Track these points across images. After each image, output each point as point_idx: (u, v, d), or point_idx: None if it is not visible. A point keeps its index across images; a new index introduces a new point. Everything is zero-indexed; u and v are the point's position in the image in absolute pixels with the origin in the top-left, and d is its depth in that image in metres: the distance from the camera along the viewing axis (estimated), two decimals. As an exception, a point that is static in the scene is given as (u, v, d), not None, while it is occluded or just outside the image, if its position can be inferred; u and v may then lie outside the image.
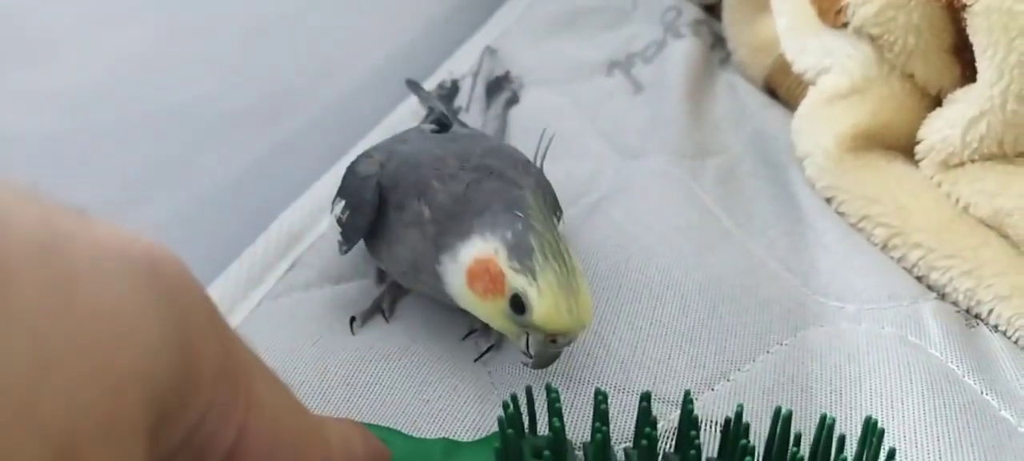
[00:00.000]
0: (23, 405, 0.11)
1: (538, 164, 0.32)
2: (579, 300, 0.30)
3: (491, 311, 0.31)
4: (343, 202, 0.37)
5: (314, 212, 0.48)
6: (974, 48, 0.39)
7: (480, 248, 0.31)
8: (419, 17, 0.75)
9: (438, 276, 0.33)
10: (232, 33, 0.54)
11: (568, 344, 0.31)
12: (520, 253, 0.30)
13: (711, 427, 0.33)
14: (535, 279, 0.29)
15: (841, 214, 0.45)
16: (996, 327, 0.38)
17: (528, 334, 0.31)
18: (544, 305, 0.29)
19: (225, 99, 0.53)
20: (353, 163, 0.38)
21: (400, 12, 0.73)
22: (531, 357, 0.31)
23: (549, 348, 0.31)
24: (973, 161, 0.41)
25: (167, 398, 0.14)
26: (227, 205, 0.52)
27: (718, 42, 0.67)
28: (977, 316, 0.39)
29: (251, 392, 0.17)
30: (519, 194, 0.32)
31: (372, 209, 0.35)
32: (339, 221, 0.37)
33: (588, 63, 0.66)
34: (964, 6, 0.39)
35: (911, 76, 0.45)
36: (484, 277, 0.31)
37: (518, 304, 0.30)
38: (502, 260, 0.30)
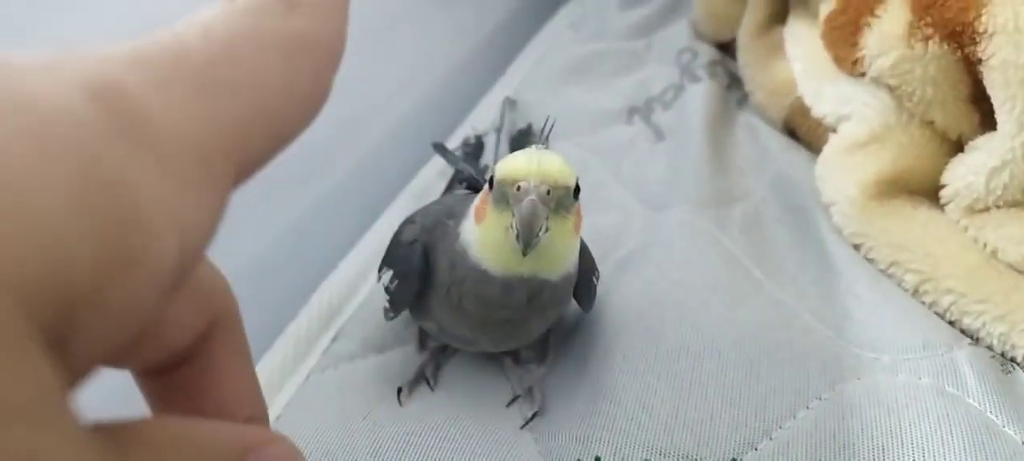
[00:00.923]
0: None
1: (542, 143, 0.35)
2: (543, 156, 0.32)
3: (489, 223, 0.33)
4: (391, 271, 0.38)
5: (352, 281, 0.49)
6: (992, 100, 0.40)
7: (485, 189, 0.34)
8: (433, 74, 0.77)
9: (459, 251, 0.34)
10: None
11: (546, 202, 0.31)
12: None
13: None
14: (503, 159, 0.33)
15: (870, 261, 0.46)
16: (1033, 371, 0.38)
17: (513, 216, 0.31)
18: (504, 161, 0.33)
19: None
20: (397, 231, 0.40)
21: (414, 70, 0.74)
22: (519, 227, 0.31)
23: (523, 202, 0.31)
24: (998, 207, 0.41)
25: (77, 291, 0.11)
26: (264, 280, 0.53)
27: (734, 82, 0.68)
28: (1012, 360, 0.39)
29: (216, 314, 0.17)
30: None
31: (419, 275, 0.36)
32: (387, 290, 0.38)
33: (606, 110, 0.67)
34: (980, 61, 0.40)
35: (931, 123, 0.46)
36: (482, 202, 0.34)
37: (493, 184, 0.33)
38: (491, 168, 0.34)
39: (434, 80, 0.76)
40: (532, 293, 0.34)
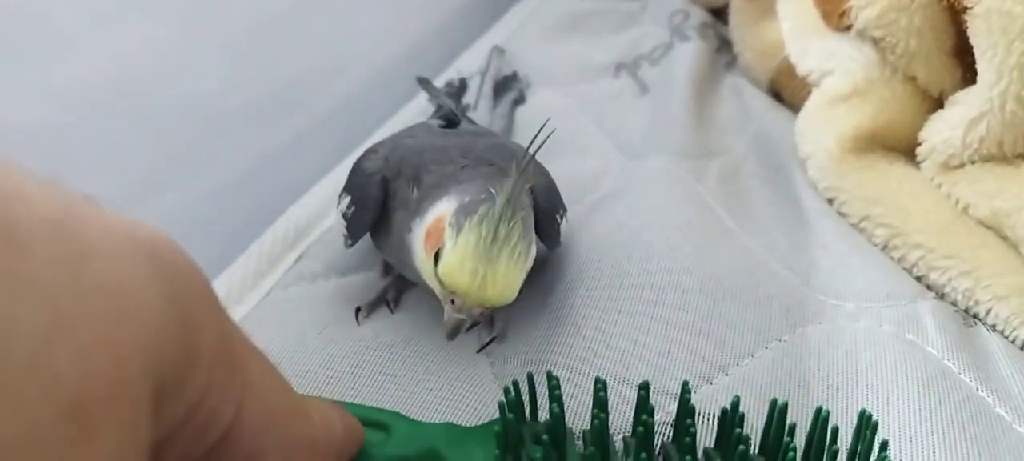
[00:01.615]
0: (36, 363, 0.12)
1: (532, 153, 0.32)
2: (493, 270, 0.29)
3: (427, 267, 0.32)
4: (349, 198, 0.37)
5: (322, 206, 0.48)
6: (974, 50, 0.39)
7: (443, 208, 0.32)
8: (429, 17, 0.76)
9: (409, 246, 0.33)
10: (242, 30, 0.55)
11: (476, 320, 0.31)
12: (464, 213, 0.30)
13: (709, 420, 0.33)
14: (457, 236, 0.30)
15: (842, 215, 0.45)
16: (994, 327, 0.38)
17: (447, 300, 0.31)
18: (450, 260, 0.30)
19: (234, 95, 0.54)
20: (359, 159, 0.39)
21: (410, 11, 0.74)
22: (446, 328, 0.31)
23: (454, 313, 0.31)
24: (973, 163, 0.41)
25: (168, 372, 0.15)
26: (236, 200, 0.53)
27: (724, 45, 0.68)
28: (975, 316, 0.39)
29: (247, 373, 0.18)
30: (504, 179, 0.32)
31: (376, 205, 0.36)
32: (344, 216, 0.37)
33: (595, 65, 0.66)
34: (965, 8, 0.39)
35: (913, 79, 0.45)
36: (432, 236, 0.32)
37: (438, 258, 0.31)
38: (448, 216, 0.31)
39: (425, 26, 0.76)
40: None
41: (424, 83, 0.56)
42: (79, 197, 0.15)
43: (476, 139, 0.40)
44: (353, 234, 0.37)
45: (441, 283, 0.31)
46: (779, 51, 0.58)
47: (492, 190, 0.31)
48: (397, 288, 0.41)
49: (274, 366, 0.20)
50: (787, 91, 0.58)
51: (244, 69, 0.56)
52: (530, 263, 0.32)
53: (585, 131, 0.57)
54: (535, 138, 0.32)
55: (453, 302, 0.31)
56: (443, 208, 0.32)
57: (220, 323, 0.17)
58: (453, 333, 0.32)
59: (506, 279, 0.30)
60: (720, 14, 0.71)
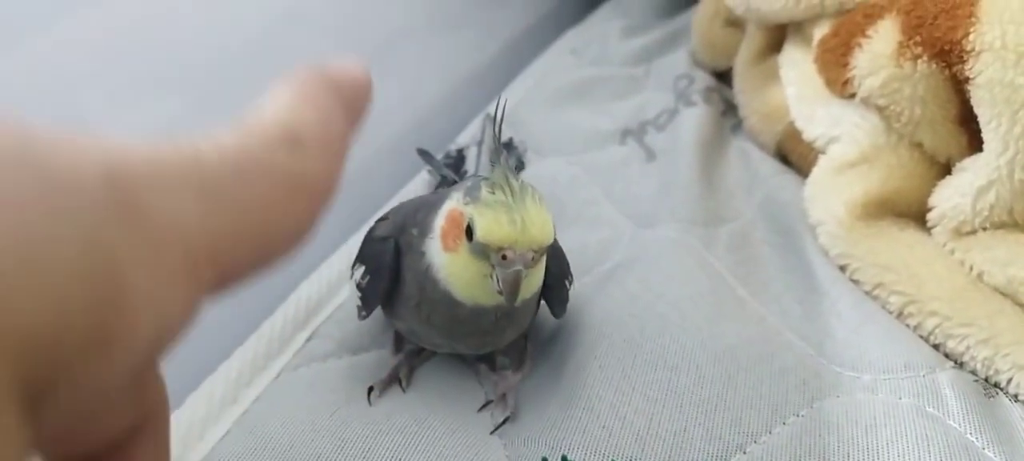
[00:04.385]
0: None
1: (495, 130, 0.33)
2: (526, 215, 0.31)
3: (463, 261, 0.32)
4: (363, 267, 0.37)
5: (332, 282, 0.48)
6: (979, 119, 0.39)
7: (448, 207, 0.33)
8: (433, 91, 0.77)
9: (426, 271, 0.34)
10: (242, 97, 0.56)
11: (529, 264, 0.31)
12: (472, 192, 0.32)
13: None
14: (478, 203, 0.31)
15: (855, 282, 0.45)
16: (1016, 397, 0.38)
17: (494, 267, 0.31)
18: (484, 220, 0.31)
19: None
20: (371, 228, 0.39)
21: (414, 86, 0.75)
22: (503, 289, 0.31)
23: (506, 269, 0.31)
24: (985, 229, 0.41)
25: (54, 351, 0.11)
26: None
27: (730, 109, 0.68)
28: (996, 385, 0.38)
29: (154, 402, 0.16)
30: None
31: (390, 271, 0.36)
32: (359, 287, 0.37)
33: (601, 131, 0.67)
34: (967, 79, 0.40)
35: (919, 145, 0.46)
36: (451, 229, 0.33)
37: (471, 233, 0.31)
38: (458, 202, 0.33)
39: (432, 98, 0.77)
40: (504, 314, 0.34)
41: (424, 155, 0.57)
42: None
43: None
44: (368, 304, 0.37)
45: (485, 247, 0.31)
46: (784, 116, 0.58)
47: (482, 177, 0.33)
48: (409, 365, 0.41)
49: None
50: (794, 154, 0.58)
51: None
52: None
53: (593, 200, 0.57)
54: (497, 104, 0.34)
55: (505, 258, 0.31)
56: (448, 207, 0.33)
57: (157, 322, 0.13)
58: (513, 288, 0.31)
59: (541, 217, 0.31)
60: (724, 77, 0.72)
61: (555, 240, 0.39)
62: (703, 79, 0.71)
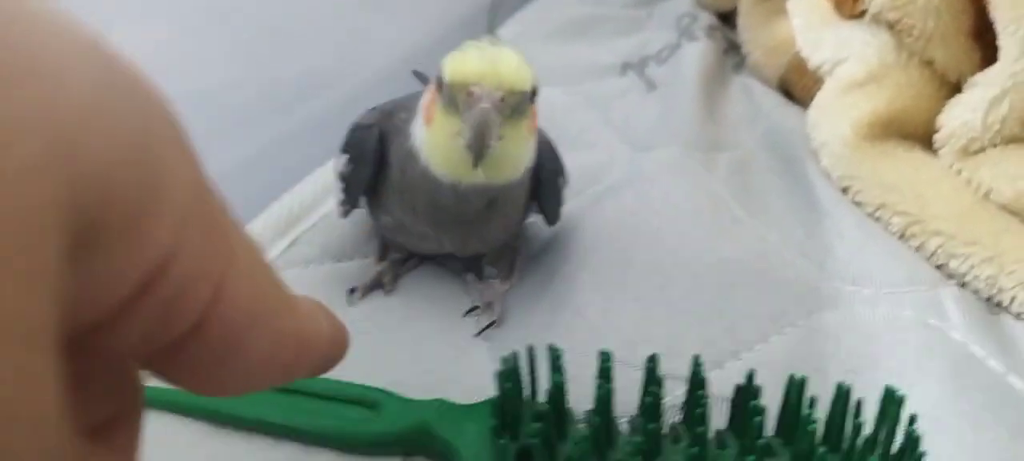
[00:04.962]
0: None
1: (489, 20, 0.32)
2: (497, 54, 0.29)
3: (437, 126, 0.30)
4: (346, 156, 0.36)
5: (317, 194, 0.47)
6: (996, 25, 0.38)
7: (432, 86, 0.31)
8: (433, 22, 0.75)
9: (408, 151, 0.32)
10: (244, 31, 0.55)
11: (500, 108, 0.28)
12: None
13: (720, 406, 0.31)
14: (454, 54, 0.30)
15: (858, 204, 0.44)
16: (1020, 315, 0.36)
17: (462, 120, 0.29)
18: (455, 59, 0.29)
19: (235, 92, 0.53)
20: (357, 119, 0.38)
21: (414, 16, 0.73)
22: (469, 138, 0.29)
23: (474, 111, 0.28)
24: (994, 146, 0.40)
25: (108, 208, 0.10)
26: (232, 187, 0.51)
27: (732, 48, 0.67)
28: (999, 303, 0.37)
29: (230, 246, 0.14)
30: None
31: (374, 157, 0.34)
32: (342, 177, 0.36)
33: (601, 65, 0.65)
34: (986, -17, 0.38)
35: (930, 63, 0.44)
36: (428, 102, 0.31)
37: (442, 85, 0.30)
38: (434, 80, 0.31)
39: (431, 30, 0.75)
40: (488, 200, 0.32)
41: (419, 75, 0.55)
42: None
43: None
44: (351, 194, 0.36)
45: (452, 90, 0.29)
46: (790, 48, 0.56)
47: None
48: (394, 272, 0.39)
49: (260, 248, 0.16)
50: (798, 88, 0.57)
51: (245, 69, 0.55)
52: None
53: (591, 126, 0.55)
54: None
55: (471, 95, 0.28)
56: (430, 85, 0.32)
57: (195, 173, 0.13)
58: (479, 134, 0.28)
59: (514, 59, 0.29)
60: (727, 18, 0.70)
61: (547, 138, 0.38)
62: (706, 18, 0.70)
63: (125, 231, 0.11)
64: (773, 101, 0.57)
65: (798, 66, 0.55)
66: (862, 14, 0.46)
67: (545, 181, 0.36)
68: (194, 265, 0.13)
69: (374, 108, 0.38)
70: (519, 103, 0.30)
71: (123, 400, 0.15)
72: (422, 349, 0.34)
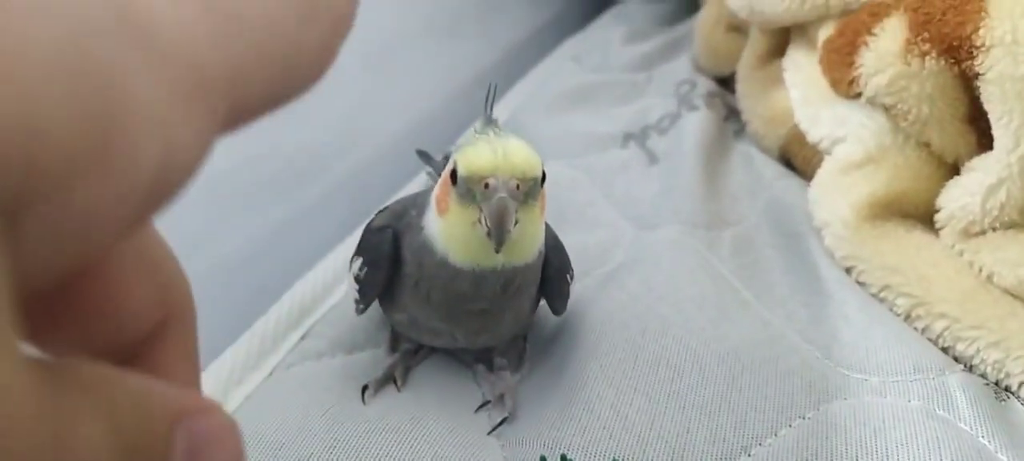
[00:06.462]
0: None
1: (487, 105, 0.34)
2: (507, 146, 0.31)
3: (453, 216, 0.32)
4: (361, 259, 0.37)
5: (328, 283, 0.47)
6: (989, 115, 0.39)
7: (443, 177, 0.33)
8: (433, 96, 0.77)
9: (423, 243, 0.33)
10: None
11: (515, 196, 0.30)
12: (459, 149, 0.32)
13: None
14: (464, 149, 0.31)
15: (862, 284, 0.44)
16: (1028, 400, 0.37)
17: (481, 210, 0.30)
18: (467, 152, 0.31)
19: (240, 173, 0.54)
20: (369, 221, 0.39)
21: (415, 90, 0.74)
22: (490, 226, 0.30)
23: (493, 200, 0.30)
24: (994, 229, 0.40)
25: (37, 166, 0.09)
26: (239, 277, 0.52)
27: (732, 114, 0.68)
28: (1007, 389, 0.37)
29: (179, 319, 0.16)
30: None
31: (389, 261, 0.35)
32: (357, 279, 0.37)
33: (602, 135, 0.66)
34: (977, 75, 0.39)
35: (927, 145, 0.45)
36: (441, 192, 0.32)
37: (456, 177, 0.31)
38: (446, 173, 0.32)
39: (432, 102, 0.76)
40: (505, 282, 0.33)
41: (424, 156, 0.56)
42: None
43: None
44: (366, 296, 0.36)
45: (469, 183, 0.30)
46: (788, 119, 0.57)
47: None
48: (405, 365, 0.39)
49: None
50: (798, 158, 0.57)
51: (250, 147, 0.55)
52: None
53: (594, 201, 0.56)
54: (487, 97, 0.34)
55: (488, 186, 0.30)
56: (443, 177, 0.33)
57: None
58: (499, 220, 0.30)
59: (523, 149, 0.31)
60: (726, 83, 0.71)
61: (554, 235, 0.38)
62: (705, 84, 0.71)
63: (63, 196, 0.10)
64: (774, 171, 0.58)
65: (798, 137, 0.56)
66: (859, 96, 0.47)
67: (552, 278, 0.37)
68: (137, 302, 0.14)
69: (384, 209, 0.39)
70: (531, 188, 0.31)
71: (159, 308, 0.15)
72: (436, 452, 0.35)
